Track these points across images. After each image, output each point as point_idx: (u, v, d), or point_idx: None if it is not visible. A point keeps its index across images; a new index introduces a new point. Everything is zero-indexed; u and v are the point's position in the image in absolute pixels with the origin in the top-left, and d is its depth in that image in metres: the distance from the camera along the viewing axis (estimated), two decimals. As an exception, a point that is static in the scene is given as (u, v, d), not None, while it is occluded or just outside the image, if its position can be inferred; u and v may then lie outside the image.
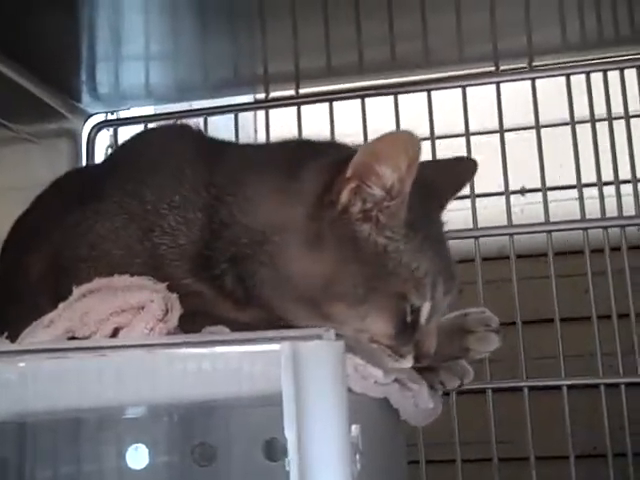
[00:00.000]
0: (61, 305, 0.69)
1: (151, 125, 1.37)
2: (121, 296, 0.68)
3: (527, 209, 1.52)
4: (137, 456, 0.94)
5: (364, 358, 0.68)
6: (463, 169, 0.95)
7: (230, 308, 0.81)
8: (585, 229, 1.23)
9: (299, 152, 0.85)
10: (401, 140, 0.74)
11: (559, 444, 1.20)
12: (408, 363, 0.82)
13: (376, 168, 0.75)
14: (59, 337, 0.66)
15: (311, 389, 0.55)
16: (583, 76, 1.28)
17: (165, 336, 0.66)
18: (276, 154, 0.87)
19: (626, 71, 1.27)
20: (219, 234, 0.80)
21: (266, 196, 0.80)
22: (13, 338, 0.71)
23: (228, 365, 0.56)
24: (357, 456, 0.59)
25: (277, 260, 0.77)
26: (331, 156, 0.81)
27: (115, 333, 0.67)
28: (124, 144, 0.95)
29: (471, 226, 1.28)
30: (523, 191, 1.53)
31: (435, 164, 1.00)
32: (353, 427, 0.59)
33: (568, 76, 1.28)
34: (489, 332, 0.94)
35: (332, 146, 0.89)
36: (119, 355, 0.59)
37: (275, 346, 0.55)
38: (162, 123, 1.37)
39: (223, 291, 0.80)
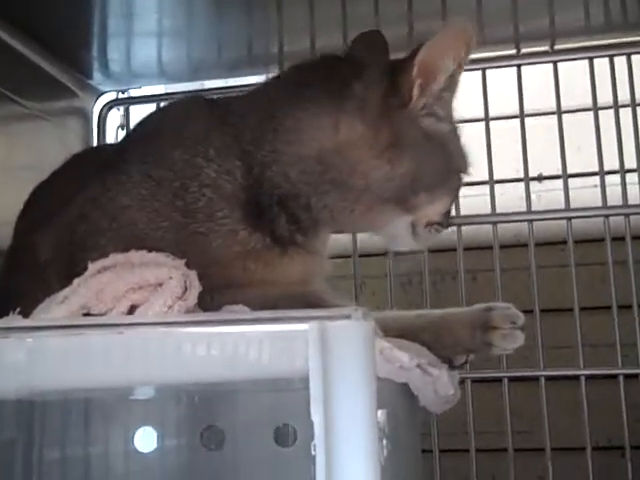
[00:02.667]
0: (76, 281, 0.66)
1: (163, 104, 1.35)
2: (138, 272, 0.65)
3: (544, 196, 1.49)
4: (145, 439, 0.92)
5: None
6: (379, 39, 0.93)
7: (274, 258, 0.80)
8: (606, 216, 1.21)
9: (325, 70, 0.85)
10: (459, 29, 0.80)
11: (576, 435, 1.17)
12: (443, 230, 0.89)
13: (439, 62, 0.80)
14: (74, 313, 0.64)
15: (339, 371, 0.52)
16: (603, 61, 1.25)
17: (184, 314, 0.63)
18: (299, 79, 0.86)
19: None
20: (262, 177, 0.80)
21: (315, 120, 0.81)
22: (25, 314, 0.69)
23: (249, 345, 0.54)
24: (384, 441, 0.57)
25: (349, 178, 0.79)
26: (361, 65, 0.82)
27: (131, 310, 0.65)
28: (141, 120, 0.93)
29: (488, 212, 1.26)
30: (540, 178, 1.50)
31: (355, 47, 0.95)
32: (379, 412, 0.56)
33: (591, 59, 1.25)
34: (515, 329, 0.92)
35: (346, 58, 0.88)
36: (136, 333, 0.56)
37: (303, 326, 0.53)
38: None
39: (274, 237, 0.81)
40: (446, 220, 0.88)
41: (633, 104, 1.23)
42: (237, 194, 0.79)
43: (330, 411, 0.52)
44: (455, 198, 0.90)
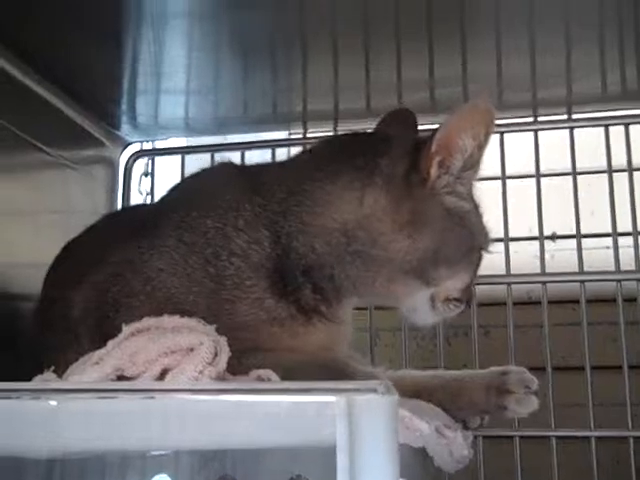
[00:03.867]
0: (110, 343, 0.69)
1: (188, 156, 1.38)
2: (171, 337, 0.68)
3: (557, 255, 1.52)
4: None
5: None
6: (409, 116, 1.01)
7: (299, 327, 0.84)
8: (619, 281, 1.23)
9: (354, 146, 0.89)
10: (479, 110, 0.82)
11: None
12: (463, 307, 0.92)
13: (457, 140, 0.82)
14: (108, 375, 0.67)
15: (364, 443, 0.55)
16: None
17: (214, 380, 0.66)
18: (329, 154, 0.90)
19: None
20: (289, 248, 0.83)
21: (341, 193, 0.84)
22: (56, 370, 0.71)
23: (277, 414, 0.56)
24: (404, 510, 0.59)
25: (371, 250, 0.82)
26: (389, 141, 0.86)
27: (164, 374, 0.67)
28: (175, 185, 0.96)
29: (503, 271, 1.28)
30: (554, 237, 1.53)
31: (385, 123, 1.02)
32: (401, 480, 0.59)
33: (607, 127, 1.28)
34: (529, 394, 0.94)
35: (375, 134, 0.95)
36: (167, 398, 0.59)
37: (330, 398, 0.55)
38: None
39: (299, 306, 0.83)
40: (465, 296, 0.91)
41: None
42: (264, 263, 0.82)
43: (355, 481, 0.54)
44: (475, 274, 0.92)
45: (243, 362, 0.74)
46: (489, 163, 1.31)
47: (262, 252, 0.82)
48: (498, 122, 1.28)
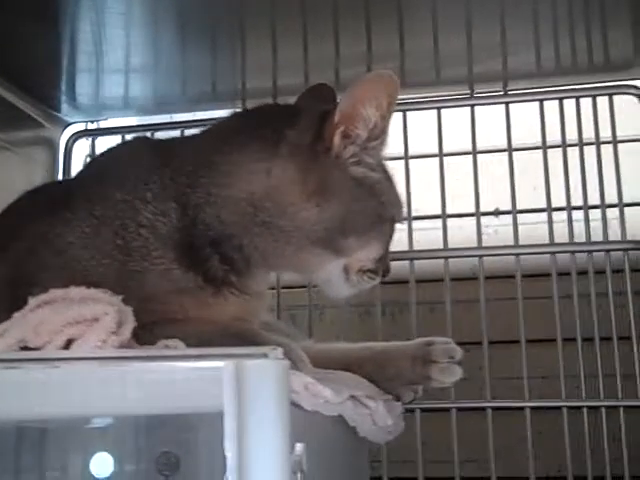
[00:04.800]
0: (16, 314, 0.69)
1: (129, 136, 1.38)
2: (76, 308, 0.68)
3: (501, 230, 1.53)
4: (102, 464, 0.94)
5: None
6: (327, 91, 1.01)
7: (208, 297, 0.84)
8: (553, 253, 1.25)
9: (263, 118, 0.89)
10: (381, 80, 0.82)
11: (522, 465, 1.21)
12: (379, 279, 0.91)
13: (360, 109, 0.82)
14: (11, 346, 0.67)
15: (253, 407, 0.56)
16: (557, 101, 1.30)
17: (116, 349, 0.66)
18: (239, 126, 0.90)
19: (598, 98, 1.29)
20: (196, 219, 0.83)
21: (248, 164, 0.84)
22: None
23: (171, 381, 0.57)
24: (299, 475, 0.60)
25: (279, 220, 0.83)
26: (298, 113, 0.87)
27: (68, 344, 0.68)
28: (90, 162, 0.97)
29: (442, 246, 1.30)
30: (497, 213, 1.54)
31: (303, 99, 1.02)
32: (298, 445, 0.60)
33: (541, 101, 1.29)
34: (453, 364, 0.95)
35: (286, 107, 0.94)
36: (68, 367, 0.59)
37: (219, 363, 0.56)
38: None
39: (208, 277, 0.84)
40: (380, 268, 0.91)
41: (580, 144, 1.27)
42: (172, 235, 0.82)
43: (244, 446, 0.55)
44: (388, 245, 0.92)
45: (155, 332, 0.74)
46: (429, 140, 1.34)
47: (169, 224, 0.83)
48: (435, 97, 1.33)
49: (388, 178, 0.91)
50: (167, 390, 0.57)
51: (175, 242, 0.82)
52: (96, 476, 0.93)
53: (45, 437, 0.92)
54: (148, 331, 0.73)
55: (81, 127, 1.43)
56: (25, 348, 0.68)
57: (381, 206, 0.88)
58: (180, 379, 0.57)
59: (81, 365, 0.60)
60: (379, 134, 0.85)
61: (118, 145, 0.99)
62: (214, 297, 0.83)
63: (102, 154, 0.99)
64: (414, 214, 1.32)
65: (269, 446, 0.55)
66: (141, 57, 1.28)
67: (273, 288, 1.30)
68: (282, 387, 0.57)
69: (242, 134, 0.86)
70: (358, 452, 1.00)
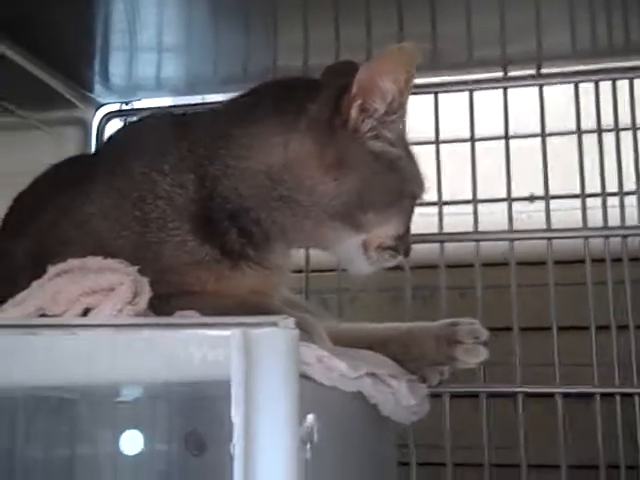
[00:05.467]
0: (34, 283, 0.70)
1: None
2: (93, 277, 0.69)
3: (535, 216, 1.50)
4: (131, 441, 0.95)
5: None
6: (350, 66, 0.95)
7: (225, 270, 0.83)
8: (586, 237, 1.22)
9: (283, 92, 0.88)
10: (400, 54, 0.81)
11: (552, 453, 1.19)
12: (401, 258, 0.90)
13: (378, 83, 0.81)
14: (30, 314, 0.67)
15: (261, 375, 0.55)
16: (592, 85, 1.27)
17: (133, 317, 0.67)
18: (259, 99, 0.89)
19: (636, 81, 1.26)
20: (214, 192, 0.83)
21: (267, 137, 0.84)
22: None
23: (181, 348, 0.57)
24: (308, 445, 0.60)
25: (297, 194, 0.82)
26: (318, 86, 0.86)
27: (85, 313, 0.68)
28: (113, 134, 0.97)
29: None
30: (531, 198, 1.52)
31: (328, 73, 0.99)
32: (309, 416, 0.59)
33: (576, 84, 1.27)
34: (477, 344, 0.95)
35: (307, 81, 0.94)
36: (82, 333, 0.59)
37: (226, 332, 0.56)
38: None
39: (225, 250, 0.83)
40: (402, 246, 0.90)
41: (616, 128, 1.25)
42: (188, 207, 0.82)
43: (250, 414, 0.55)
44: (409, 223, 0.91)
45: (172, 304, 0.74)
46: (462, 123, 1.32)
47: (186, 195, 0.82)
48: (467, 78, 1.32)
49: (409, 154, 0.89)
50: (177, 357, 0.57)
51: (192, 214, 0.82)
52: (125, 453, 0.94)
53: (72, 409, 0.94)
54: (165, 302, 0.73)
55: (114, 108, 1.44)
56: (43, 316, 0.68)
57: (401, 182, 0.87)
58: (190, 346, 0.57)
59: (95, 332, 0.60)
60: (397, 108, 0.83)
61: (140, 119, 0.99)
62: (231, 270, 0.83)
63: (123, 127, 1.00)
64: (449, 198, 1.31)
65: (276, 414, 0.55)
66: (174, 36, 1.29)
67: (301, 271, 1.30)
68: (291, 356, 0.56)
69: (262, 107, 0.86)
70: (382, 432, 0.99)
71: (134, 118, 1.42)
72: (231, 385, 0.55)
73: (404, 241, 0.89)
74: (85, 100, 1.40)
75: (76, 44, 1.27)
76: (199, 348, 0.57)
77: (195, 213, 0.82)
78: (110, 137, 0.97)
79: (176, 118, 0.92)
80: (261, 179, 0.82)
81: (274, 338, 0.56)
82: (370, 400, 0.84)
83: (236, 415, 0.54)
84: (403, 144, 0.88)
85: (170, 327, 0.59)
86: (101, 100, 1.43)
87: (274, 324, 0.57)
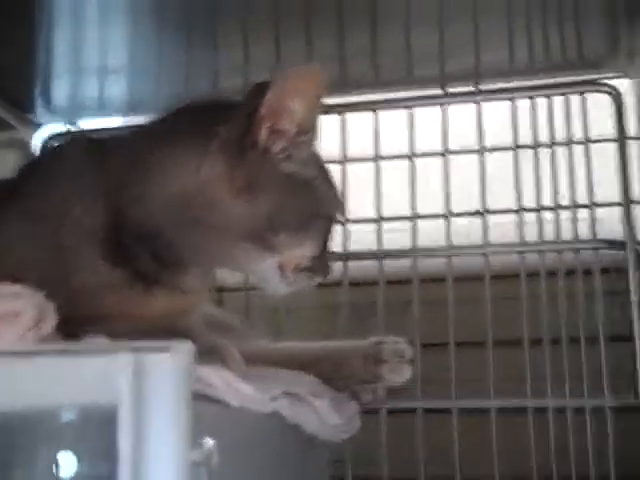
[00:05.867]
0: None
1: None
2: (-3, 304, 0.69)
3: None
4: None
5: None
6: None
7: (139, 294, 0.84)
8: (522, 252, 1.24)
9: (198, 114, 0.89)
10: (307, 74, 0.82)
11: (487, 466, 1.19)
12: (319, 278, 0.91)
13: (287, 103, 0.82)
14: None
15: (151, 401, 0.56)
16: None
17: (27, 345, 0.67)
18: (174, 122, 0.90)
19: (571, 96, 1.28)
20: (127, 216, 0.83)
21: (177, 160, 0.84)
22: None
23: (71, 375, 0.57)
24: (203, 469, 0.60)
25: (209, 216, 0.82)
26: (232, 108, 0.86)
27: (-12, 339, 0.68)
28: (32, 159, 0.98)
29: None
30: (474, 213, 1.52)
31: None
32: (206, 439, 0.60)
33: (513, 100, 1.28)
34: (402, 363, 0.96)
35: (224, 101, 0.92)
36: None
37: (116, 356, 0.56)
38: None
39: (139, 274, 0.84)
40: (321, 266, 0.90)
41: (552, 144, 1.26)
42: (100, 232, 0.83)
43: (139, 439, 0.55)
44: (326, 243, 0.92)
45: (88, 329, 0.75)
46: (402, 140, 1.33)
47: (98, 221, 0.83)
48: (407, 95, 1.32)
49: (325, 175, 0.90)
50: (66, 384, 0.57)
51: (104, 239, 0.82)
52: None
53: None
54: (79, 326, 0.74)
55: (58, 129, 1.43)
56: (-55, 342, 0.68)
57: (315, 203, 0.87)
58: (80, 373, 0.58)
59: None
60: (308, 129, 0.84)
61: (58, 145, 0.99)
62: (144, 294, 0.83)
63: (44, 153, 1.00)
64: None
65: (166, 439, 0.55)
66: (118, 57, 1.29)
67: (244, 289, 1.30)
68: (181, 380, 0.57)
69: (176, 131, 0.87)
70: (308, 450, 0.99)
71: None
72: (118, 411, 0.55)
73: (322, 261, 0.90)
74: (25, 122, 1.40)
75: (15, 67, 1.27)
76: (90, 373, 0.57)
77: (107, 238, 0.82)
78: (29, 162, 0.97)
79: (95, 143, 0.93)
80: (174, 202, 0.82)
81: (165, 363, 0.56)
82: (290, 420, 0.85)
83: (122, 442, 0.55)
84: (318, 164, 0.89)
85: (63, 353, 0.60)
86: (42, 121, 1.42)
87: (167, 349, 0.58)
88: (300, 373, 0.95)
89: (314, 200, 0.87)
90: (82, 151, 0.90)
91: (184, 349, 0.58)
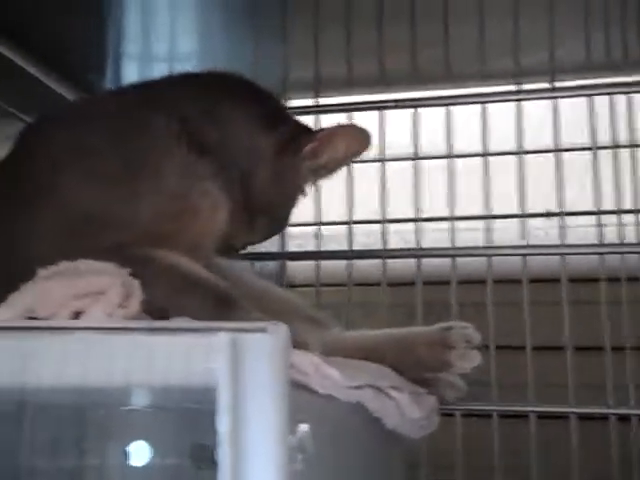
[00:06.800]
0: (24, 286, 0.68)
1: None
2: (82, 280, 0.67)
3: (552, 232, 1.47)
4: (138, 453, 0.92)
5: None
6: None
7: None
8: (600, 254, 1.19)
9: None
10: (361, 136, 0.97)
11: (565, 473, 1.15)
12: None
13: (332, 147, 0.96)
14: (18, 316, 0.66)
15: (249, 383, 0.53)
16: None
17: (122, 321, 0.65)
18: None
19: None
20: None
21: (247, 124, 0.94)
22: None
23: (162, 355, 0.55)
24: (300, 456, 0.57)
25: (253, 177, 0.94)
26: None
27: (76, 317, 0.66)
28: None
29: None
30: (547, 214, 1.48)
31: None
32: (302, 426, 0.57)
33: (591, 97, 1.24)
34: (470, 349, 0.92)
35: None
36: (64, 336, 0.57)
37: (214, 337, 0.54)
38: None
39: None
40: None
41: (632, 144, 1.22)
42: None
43: (238, 422, 0.52)
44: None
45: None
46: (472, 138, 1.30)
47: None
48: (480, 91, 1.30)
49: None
50: (156, 364, 0.55)
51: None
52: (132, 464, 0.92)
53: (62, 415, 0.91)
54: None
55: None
56: (32, 318, 0.66)
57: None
58: (177, 352, 0.55)
59: (77, 335, 0.58)
60: (330, 170, 0.99)
61: None
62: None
63: None
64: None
65: (265, 423, 0.53)
66: (186, 44, 1.29)
67: (313, 285, 1.28)
68: (279, 362, 0.54)
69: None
70: (388, 447, 0.96)
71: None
72: (217, 392, 0.53)
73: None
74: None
75: (87, 53, 1.27)
76: (186, 353, 0.55)
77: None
78: None
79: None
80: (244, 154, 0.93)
81: (263, 344, 0.54)
82: (373, 413, 0.82)
83: (221, 423, 0.52)
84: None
85: (158, 332, 0.57)
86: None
87: (264, 329, 0.55)
88: (378, 365, 0.92)
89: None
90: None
91: (281, 330, 0.55)
